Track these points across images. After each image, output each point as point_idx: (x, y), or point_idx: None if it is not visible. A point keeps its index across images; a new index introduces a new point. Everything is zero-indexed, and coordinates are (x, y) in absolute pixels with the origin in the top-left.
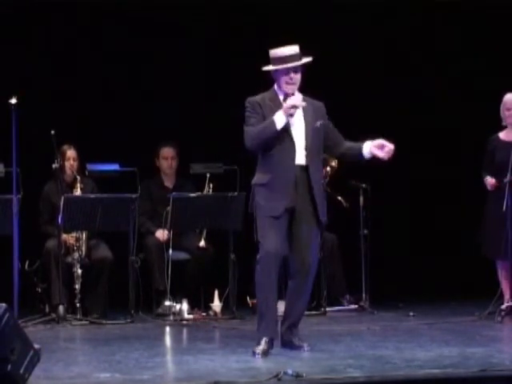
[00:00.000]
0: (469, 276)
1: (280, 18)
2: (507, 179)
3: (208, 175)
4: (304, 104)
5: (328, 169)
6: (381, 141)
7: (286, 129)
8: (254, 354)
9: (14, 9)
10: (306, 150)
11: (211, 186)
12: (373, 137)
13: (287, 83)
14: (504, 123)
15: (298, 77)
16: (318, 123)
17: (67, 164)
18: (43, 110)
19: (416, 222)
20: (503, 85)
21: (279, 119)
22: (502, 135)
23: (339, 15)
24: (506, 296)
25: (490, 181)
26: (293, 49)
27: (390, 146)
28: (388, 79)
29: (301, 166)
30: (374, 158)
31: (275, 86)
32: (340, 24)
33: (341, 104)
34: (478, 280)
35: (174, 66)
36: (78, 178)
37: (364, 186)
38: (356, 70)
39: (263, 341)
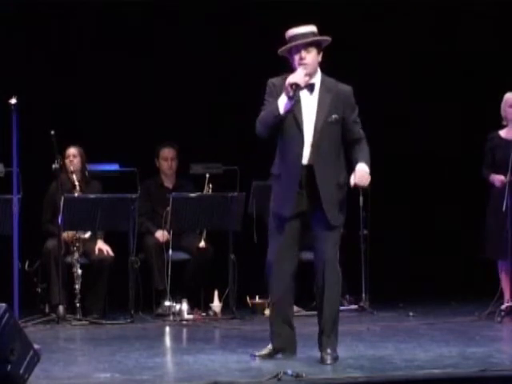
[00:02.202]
0: (469, 276)
1: (280, 18)
2: (507, 179)
3: (207, 175)
4: (306, 78)
5: None
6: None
7: (296, 119)
8: (251, 355)
9: (14, 9)
10: (313, 147)
11: (211, 186)
12: (371, 134)
13: (298, 63)
14: (504, 122)
15: (310, 56)
16: (333, 117)
17: (67, 162)
18: (43, 110)
19: (416, 222)
20: (503, 84)
21: (281, 102)
22: (503, 133)
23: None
24: (506, 296)
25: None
26: (307, 27)
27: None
28: (388, 79)
29: (306, 166)
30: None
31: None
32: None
33: None
34: (478, 280)
35: (174, 65)
36: (80, 178)
37: None
38: (357, 70)
39: (267, 347)
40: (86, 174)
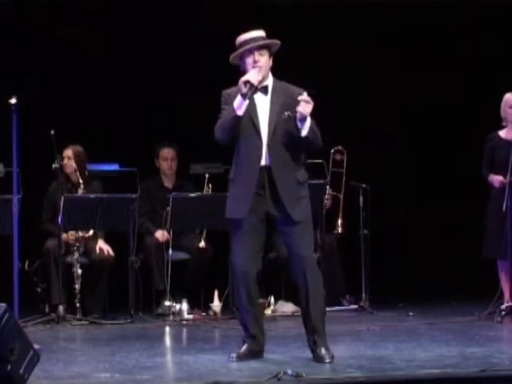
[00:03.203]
0: (469, 276)
1: (281, 19)
2: (507, 179)
3: (207, 175)
4: (259, 78)
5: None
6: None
7: (252, 121)
8: (229, 356)
9: (14, 9)
10: (270, 147)
11: (210, 186)
12: (371, 135)
13: (252, 66)
14: (504, 123)
15: (263, 60)
16: (286, 114)
17: (64, 163)
18: (43, 110)
19: (416, 222)
20: (503, 83)
21: (236, 102)
22: (503, 134)
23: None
24: (506, 296)
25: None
26: (257, 32)
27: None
28: (388, 79)
29: (265, 167)
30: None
31: None
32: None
33: (340, 102)
34: (478, 280)
35: (173, 65)
36: (81, 178)
37: (364, 186)
38: (357, 70)
39: (244, 346)
40: (86, 173)
